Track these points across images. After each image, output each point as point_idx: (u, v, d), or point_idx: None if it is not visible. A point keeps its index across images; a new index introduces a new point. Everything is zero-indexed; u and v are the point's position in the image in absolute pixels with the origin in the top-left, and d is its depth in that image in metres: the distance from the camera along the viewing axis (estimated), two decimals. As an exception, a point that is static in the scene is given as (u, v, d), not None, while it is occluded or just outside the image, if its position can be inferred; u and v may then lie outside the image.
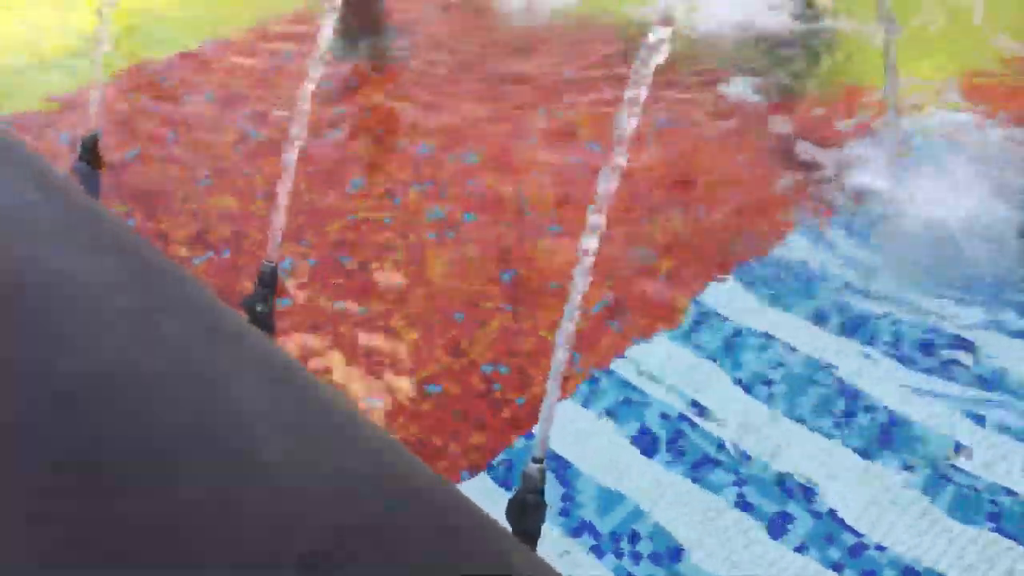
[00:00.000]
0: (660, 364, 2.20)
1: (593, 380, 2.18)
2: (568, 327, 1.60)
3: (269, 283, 2.06)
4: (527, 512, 1.64)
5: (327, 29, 1.95)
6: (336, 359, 2.28)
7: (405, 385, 2.22)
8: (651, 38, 1.52)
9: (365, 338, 2.34)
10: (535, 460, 1.65)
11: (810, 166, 2.87)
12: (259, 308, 2.04)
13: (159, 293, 1.59)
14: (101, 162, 2.65)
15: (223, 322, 1.55)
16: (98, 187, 2.64)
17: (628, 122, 1.55)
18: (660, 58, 1.55)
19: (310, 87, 2.02)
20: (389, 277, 2.55)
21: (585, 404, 2.12)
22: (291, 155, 2.05)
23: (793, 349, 2.22)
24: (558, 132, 3.18)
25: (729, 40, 3.69)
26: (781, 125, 3.08)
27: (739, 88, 3.31)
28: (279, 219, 2.03)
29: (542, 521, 1.67)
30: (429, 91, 3.47)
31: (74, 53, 3.62)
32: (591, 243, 1.59)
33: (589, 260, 1.58)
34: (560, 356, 1.62)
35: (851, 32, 3.59)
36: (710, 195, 2.81)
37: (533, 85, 3.48)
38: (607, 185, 1.57)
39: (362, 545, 1.08)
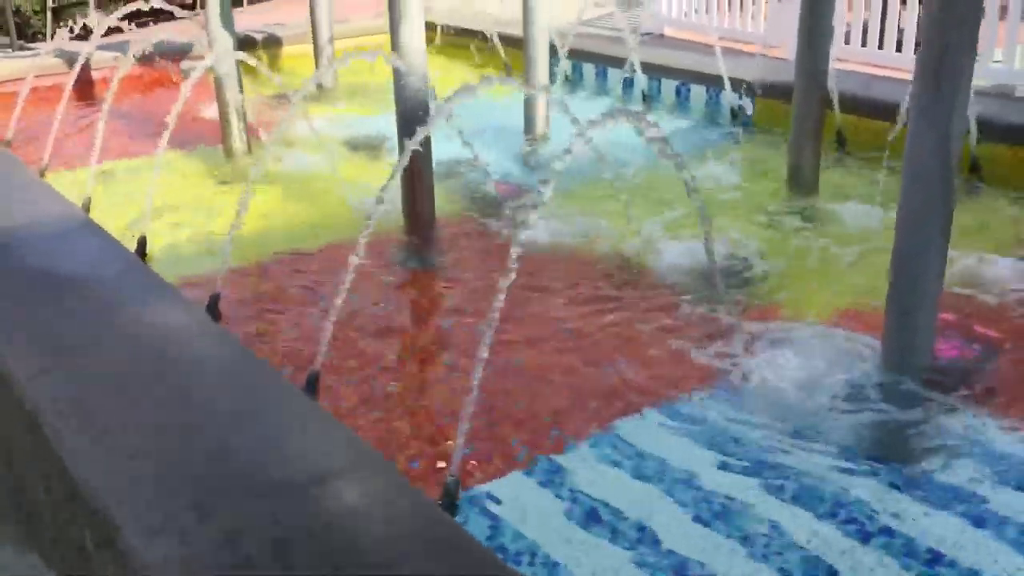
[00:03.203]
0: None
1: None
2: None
3: (313, 383, 3.36)
4: (445, 508, 2.82)
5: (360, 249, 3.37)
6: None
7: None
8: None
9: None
10: (451, 475, 2.85)
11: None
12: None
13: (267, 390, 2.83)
14: (219, 313, 4.04)
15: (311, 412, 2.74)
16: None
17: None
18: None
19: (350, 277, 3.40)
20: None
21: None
22: (333, 308, 3.41)
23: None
24: (543, 324, 4.41)
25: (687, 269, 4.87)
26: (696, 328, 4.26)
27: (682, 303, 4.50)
28: (323, 341, 3.36)
29: (455, 514, 2.84)
30: (458, 291, 4.82)
31: (214, 245, 5.20)
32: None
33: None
34: (464, 420, 2.87)
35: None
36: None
37: (537, 291, 4.73)
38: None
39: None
